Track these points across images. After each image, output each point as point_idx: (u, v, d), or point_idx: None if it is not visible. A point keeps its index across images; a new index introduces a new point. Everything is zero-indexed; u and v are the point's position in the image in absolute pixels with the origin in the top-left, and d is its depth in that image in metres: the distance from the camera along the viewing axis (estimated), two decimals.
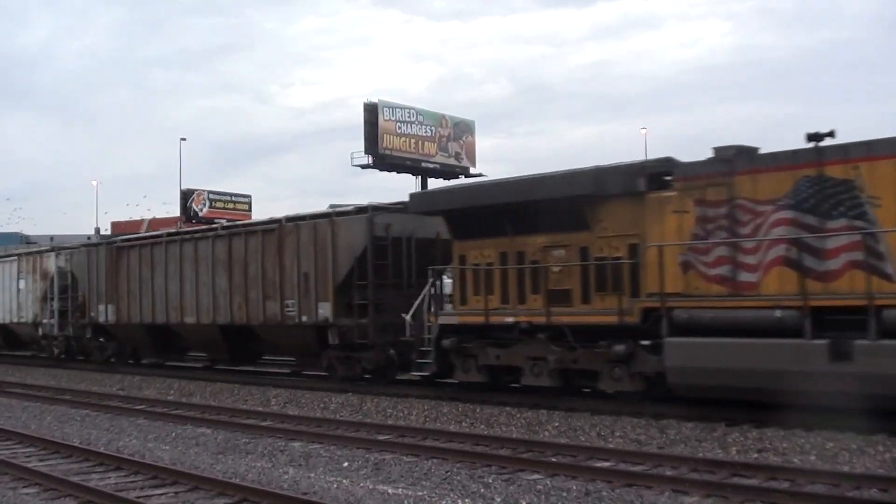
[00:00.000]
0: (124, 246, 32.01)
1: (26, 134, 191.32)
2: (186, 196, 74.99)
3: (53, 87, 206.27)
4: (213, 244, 27.53)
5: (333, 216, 23.91)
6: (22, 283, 37.55)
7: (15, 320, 37.95)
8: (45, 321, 35.67)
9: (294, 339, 25.25)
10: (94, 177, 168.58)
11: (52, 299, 34.93)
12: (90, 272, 33.18)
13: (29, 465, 14.08)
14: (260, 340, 27.21)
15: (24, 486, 12.87)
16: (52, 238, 45.21)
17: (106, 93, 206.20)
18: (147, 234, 31.36)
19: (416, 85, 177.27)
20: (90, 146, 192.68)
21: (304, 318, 24.12)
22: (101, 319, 32.59)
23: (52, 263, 35.63)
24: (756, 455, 13.71)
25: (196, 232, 29.84)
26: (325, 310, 23.58)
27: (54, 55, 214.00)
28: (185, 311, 28.51)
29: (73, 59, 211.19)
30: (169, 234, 30.69)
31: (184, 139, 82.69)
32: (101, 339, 33.72)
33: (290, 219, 25.31)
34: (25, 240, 57.88)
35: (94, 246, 34.55)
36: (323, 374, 24.69)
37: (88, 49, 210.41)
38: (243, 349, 28.08)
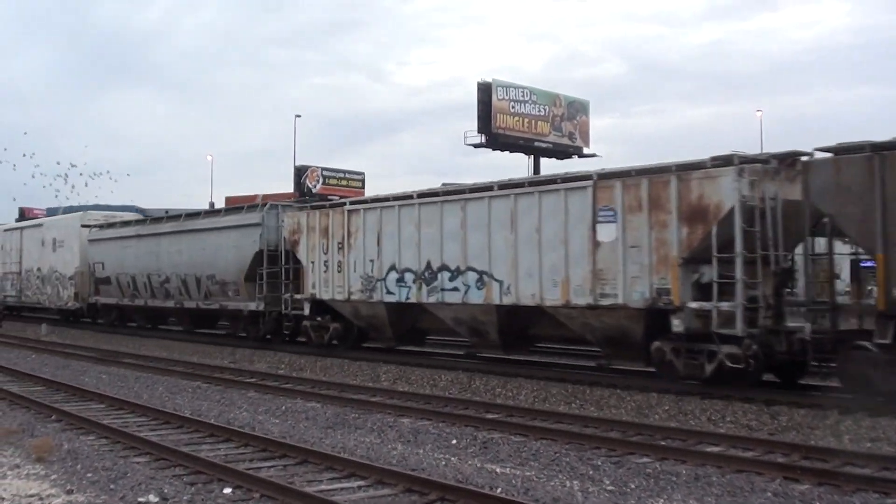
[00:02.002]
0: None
1: (145, 110, 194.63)
2: (300, 172, 75.38)
3: (171, 65, 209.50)
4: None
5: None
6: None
7: None
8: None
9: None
10: (210, 151, 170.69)
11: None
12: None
13: (140, 435, 14.31)
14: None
15: (136, 455, 13.08)
16: (166, 211, 44.49)
17: (223, 70, 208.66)
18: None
19: (531, 64, 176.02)
20: (206, 123, 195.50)
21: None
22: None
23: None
24: (869, 444, 13.46)
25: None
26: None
27: (171, 33, 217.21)
28: None
29: (189, 36, 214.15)
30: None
31: (298, 116, 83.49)
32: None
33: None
34: (141, 213, 58.20)
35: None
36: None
37: (205, 27, 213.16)
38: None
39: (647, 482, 11.22)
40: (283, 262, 29.58)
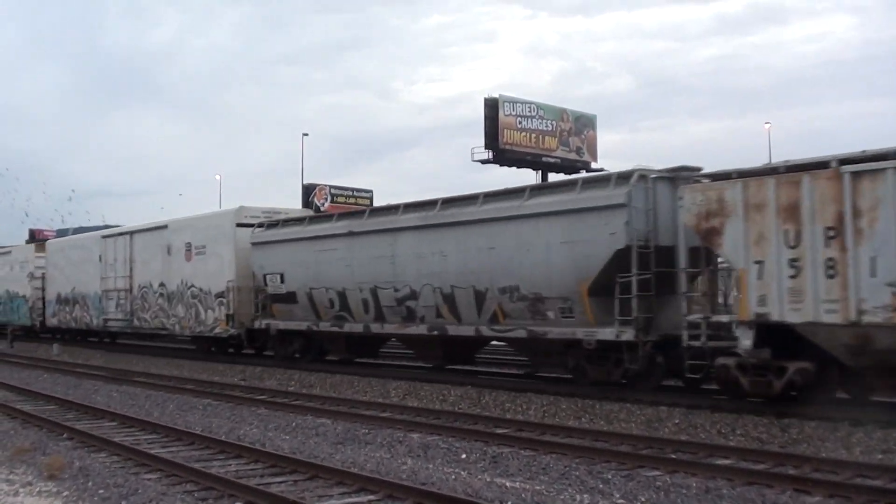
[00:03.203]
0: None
1: (157, 130, 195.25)
2: (308, 190, 75.51)
3: (182, 84, 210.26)
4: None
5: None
6: None
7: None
8: None
9: None
10: (218, 171, 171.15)
11: None
12: None
13: (151, 452, 14.34)
14: None
15: (147, 472, 13.13)
16: None
17: (231, 90, 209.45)
18: None
19: (538, 80, 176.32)
20: (215, 142, 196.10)
21: None
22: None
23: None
24: (880, 456, 13.42)
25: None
26: None
27: (180, 54, 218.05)
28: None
29: (198, 57, 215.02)
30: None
31: (306, 134, 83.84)
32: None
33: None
34: None
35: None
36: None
37: (215, 46, 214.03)
38: None
39: (657, 495, 11.23)
40: (683, 263, 18.95)
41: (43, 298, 48.60)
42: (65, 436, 16.58)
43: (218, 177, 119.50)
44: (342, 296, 27.06)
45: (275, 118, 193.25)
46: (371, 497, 11.22)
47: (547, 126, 76.02)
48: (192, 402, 21.65)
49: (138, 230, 39.55)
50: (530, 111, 75.12)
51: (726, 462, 13.08)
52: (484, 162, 73.42)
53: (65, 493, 11.69)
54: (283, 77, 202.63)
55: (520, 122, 73.82)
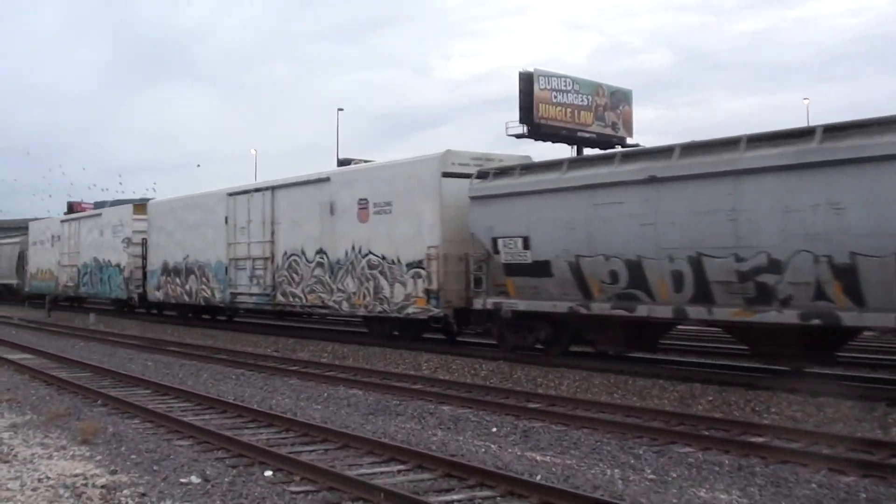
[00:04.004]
0: None
1: (192, 105, 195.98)
2: (344, 164, 75.57)
3: (216, 61, 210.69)
4: None
5: None
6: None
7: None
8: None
9: None
10: (252, 147, 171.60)
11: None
12: None
13: (184, 419, 14.45)
14: None
15: (179, 439, 13.24)
16: None
17: (266, 65, 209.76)
18: None
19: (574, 54, 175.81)
20: (250, 118, 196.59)
21: None
22: None
23: None
24: None
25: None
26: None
27: (215, 30, 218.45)
28: None
29: (233, 33, 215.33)
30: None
31: (341, 109, 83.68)
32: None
33: None
34: None
35: None
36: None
37: (249, 23, 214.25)
38: None
39: (689, 472, 11.17)
40: None
41: (144, 268, 41.21)
42: (99, 402, 16.73)
43: (253, 151, 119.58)
44: (634, 267, 18.96)
45: (308, 94, 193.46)
46: (401, 467, 11.23)
47: (582, 101, 75.77)
48: (225, 371, 21.78)
49: (283, 185, 31.16)
50: (565, 85, 74.86)
51: (760, 440, 12.99)
52: (518, 136, 73.29)
53: (98, 458, 11.77)
54: (317, 53, 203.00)
55: (555, 97, 73.60)
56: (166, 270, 38.43)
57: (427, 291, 24.37)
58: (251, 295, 32.25)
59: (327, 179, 28.61)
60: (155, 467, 11.25)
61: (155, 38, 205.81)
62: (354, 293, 26.82)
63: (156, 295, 39.63)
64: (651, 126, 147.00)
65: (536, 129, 72.67)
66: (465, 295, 23.85)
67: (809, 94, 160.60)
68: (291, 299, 29.88)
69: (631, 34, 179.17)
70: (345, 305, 27.41)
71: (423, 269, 24.51)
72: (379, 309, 25.99)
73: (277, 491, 10.12)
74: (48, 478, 10.57)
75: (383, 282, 25.73)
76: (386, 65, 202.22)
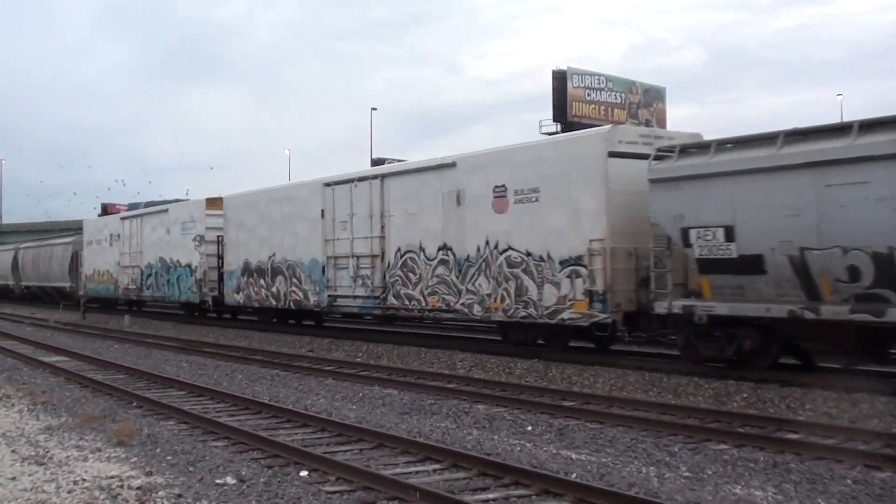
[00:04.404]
0: None
1: (224, 104, 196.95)
2: (377, 164, 75.71)
3: (249, 60, 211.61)
4: None
5: None
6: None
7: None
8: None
9: None
10: (285, 146, 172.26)
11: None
12: None
13: (219, 420, 14.51)
14: None
15: (214, 440, 13.28)
16: None
17: (299, 64, 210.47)
18: None
19: (608, 52, 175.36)
20: (282, 117, 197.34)
21: None
22: None
23: None
24: None
25: None
26: None
27: (249, 29, 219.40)
28: None
29: (267, 31, 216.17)
30: None
31: (374, 108, 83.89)
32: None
33: None
34: None
35: None
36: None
37: (282, 21, 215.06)
38: None
39: (724, 469, 11.13)
40: None
41: (219, 268, 37.70)
42: (134, 404, 16.80)
43: (287, 151, 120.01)
44: (885, 261, 15.42)
45: (342, 93, 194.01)
46: (436, 466, 11.23)
47: (616, 98, 75.74)
48: (260, 372, 21.82)
49: (395, 172, 27.98)
50: (599, 83, 74.87)
51: (795, 437, 12.92)
52: (551, 134, 73.08)
53: (133, 459, 11.82)
54: (350, 52, 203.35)
55: (588, 95, 73.62)
56: (248, 271, 34.76)
57: (589, 293, 20.53)
58: (355, 298, 28.58)
59: (452, 165, 24.83)
60: (190, 468, 11.30)
61: (188, 37, 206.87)
62: (489, 295, 23.11)
63: (235, 298, 35.88)
64: (684, 123, 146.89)
65: (570, 127, 72.17)
66: (636, 297, 20.46)
67: (845, 91, 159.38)
68: (407, 302, 26.24)
69: (665, 31, 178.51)
70: (476, 309, 23.68)
71: (582, 266, 20.66)
72: (522, 314, 22.19)
73: (313, 491, 10.14)
74: (84, 480, 10.62)
75: (528, 282, 21.99)
76: (419, 63, 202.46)
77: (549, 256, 21.50)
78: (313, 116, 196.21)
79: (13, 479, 10.75)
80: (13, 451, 12.36)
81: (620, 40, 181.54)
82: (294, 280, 31.65)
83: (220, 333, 33.70)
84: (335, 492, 10.12)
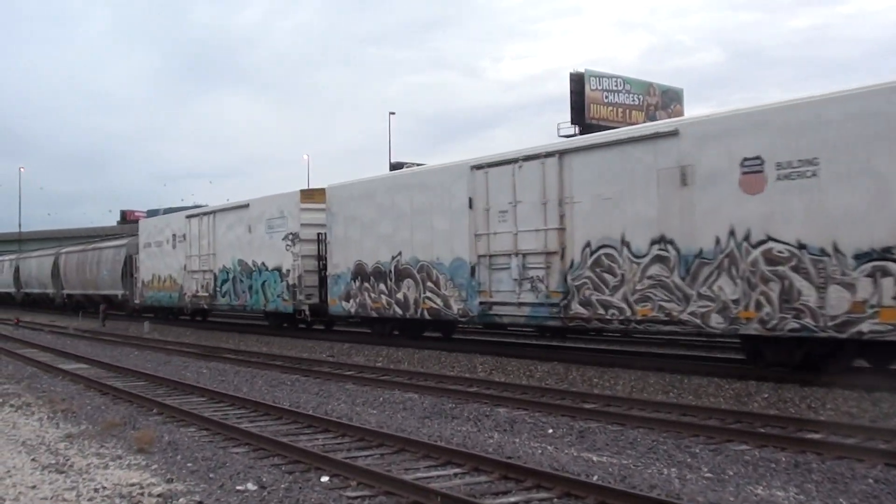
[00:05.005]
0: None
1: (243, 111, 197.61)
2: (396, 168, 75.83)
3: (268, 66, 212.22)
4: None
5: None
6: None
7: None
8: None
9: None
10: (304, 151, 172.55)
11: None
12: None
13: (239, 426, 14.48)
14: None
15: (234, 446, 13.27)
16: None
17: (318, 70, 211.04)
18: None
19: (626, 54, 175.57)
20: (301, 123, 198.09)
21: None
22: None
23: None
24: None
25: None
26: None
27: (267, 36, 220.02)
28: None
29: (285, 37, 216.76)
30: None
31: (392, 113, 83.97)
32: None
33: None
34: None
35: None
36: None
37: (301, 28, 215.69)
38: None
39: (745, 469, 11.09)
40: None
41: (320, 271, 32.11)
42: (154, 410, 16.81)
43: (305, 156, 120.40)
44: None
45: (361, 98, 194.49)
46: (457, 470, 11.20)
47: (634, 100, 75.76)
48: (280, 377, 21.81)
49: (581, 147, 22.01)
50: (617, 85, 74.87)
51: (816, 436, 12.87)
52: (570, 136, 73.10)
53: (153, 466, 11.83)
54: (369, 57, 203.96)
55: (606, 97, 73.62)
56: (362, 274, 29.01)
57: None
58: (520, 305, 22.84)
59: (673, 133, 19.38)
60: (211, 475, 11.29)
61: (207, 44, 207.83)
62: (736, 301, 17.89)
63: (343, 306, 30.03)
64: None
65: (588, 129, 72.33)
66: None
67: None
68: (602, 311, 20.65)
69: (683, 33, 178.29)
70: (715, 319, 18.30)
71: (893, 261, 15.60)
72: (792, 325, 16.93)
73: (334, 496, 10.12)
74: (104, 488, 10.63)
75: (802, 283, 16.84)
76: (438, 67, 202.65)
77: (836, 249, 16.31)
78: (334, 121, 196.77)
79: (33, 487, 10.77)
80: (33, 460, 12.39)
81: (638, 42, 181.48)
82: (429, 284, 26.02)
83: (239, 339, 33.75)
84: (356, 497, 10.10)
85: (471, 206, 24.37)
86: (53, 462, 12.21)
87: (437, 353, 24.84)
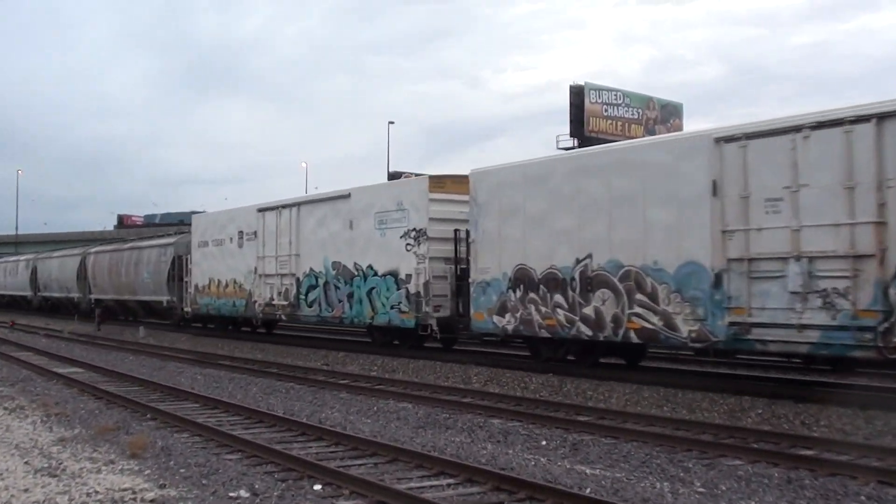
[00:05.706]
0: None
1: (244, 118, 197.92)
2: (394, 178, 75.89)
3: (270, 73, 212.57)
4: None
5: None
6: None
7: None
8: None
9: None
10: (304, 159, 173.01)
11: None
12: None
13: (233, 433, 14.48)
14: None
15: (228, 452, 13.26)
16: None
17: (319, 78, 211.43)
18: None
19: (627, 67, 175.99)
20: (301, 130, 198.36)
21: None
22: None
23: None
24: None
25: None
26: None
27: (270, 43, 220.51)
28: None
29: (288, 45, 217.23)
30: None
31: (392, 122, 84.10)
32: None
33: None
34: None
35: None
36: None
37: (303, 36, 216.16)
38: None
39: (738, 484, 11.09)
40: None
41: (458, 277, 25.91)
42: (148, 416, 16.81)
43: (304, 164, 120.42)
44: None
45: (363, 107, 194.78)
46: (450, 481, 11.20)
47: (633, 114, 75.93)
48: (274, 385, 21.81)
49: None
50: (616, 99, 75.01)
51: (809, 452, 12.87)
52: (568, 150, 73.17)
53: (146, 472, 11.82)
54: (372, 66, 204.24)
55: (606, 110, 73.77)
56: (525, 281, 22.28)
57: None
58: (802, 328, 16.30)
59: None
60: (204, 481, 11.29)
61: (209, 51, 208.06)
62: None
63: (495, 322, 23.20)
64: None
65: (587, 142, 72.56)
66: None
67: None
68: None
69: (684, 47, 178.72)
70: None
71: None
72: None
73: None
74: (97, 492, 10.62)
75: None
76: (441, 77, 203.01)
77: None
78: (335, 129, 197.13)
79: (26, 490, 10.77)
80: (26, 463, 12.38)
81: (640, 55, 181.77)
82: (638, 297, 19.39)
83: (235, 346, 33.59)
84: None
85: (714, 193, 17.83)
86: (46, 466, 12.20)
87: (432, 363, 24.78)
